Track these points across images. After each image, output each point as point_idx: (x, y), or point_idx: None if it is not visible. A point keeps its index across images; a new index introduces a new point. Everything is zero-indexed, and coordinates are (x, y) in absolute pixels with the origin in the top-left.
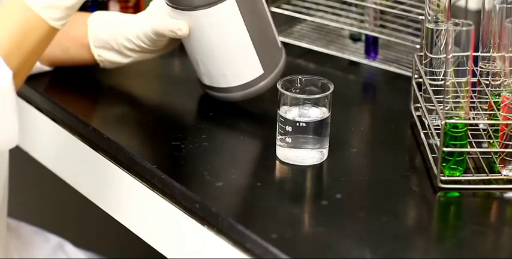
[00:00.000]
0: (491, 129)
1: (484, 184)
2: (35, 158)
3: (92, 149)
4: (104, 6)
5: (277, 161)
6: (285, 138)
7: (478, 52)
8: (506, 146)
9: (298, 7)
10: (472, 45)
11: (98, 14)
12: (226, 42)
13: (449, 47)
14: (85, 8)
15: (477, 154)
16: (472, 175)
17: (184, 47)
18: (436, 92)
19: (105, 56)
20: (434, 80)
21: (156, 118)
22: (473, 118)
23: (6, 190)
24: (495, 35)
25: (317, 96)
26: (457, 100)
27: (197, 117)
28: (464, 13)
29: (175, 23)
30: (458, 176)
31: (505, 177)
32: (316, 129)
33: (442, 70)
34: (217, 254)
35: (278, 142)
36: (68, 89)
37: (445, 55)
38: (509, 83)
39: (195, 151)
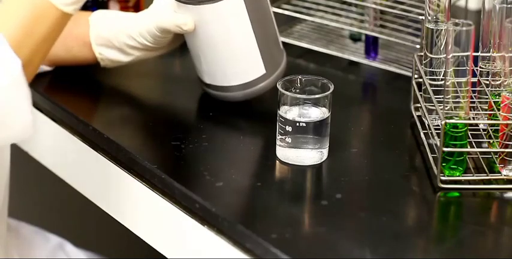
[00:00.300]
0: (491, 129)
1: (484, 184)
2: (35, 158)
3: (92, 149)
4: (104, 6)
5: (277, 161)
6: (285, 138)
7: (478, 52)
8: (506, 146)
9: (298, 7)
10: (472, 45)
11: (100, 13)
12: (230, 38)
13: (449, 47)
14: (85, 7)
15: (477, 154)
16: (472, 175)
17: (187, 44)
18: (436, 92)
19: (106, 54)
20: (434, 80)
21: (156, 118)
22: (473, 118)
23: (7, 190)
24: (495, 35)
25: (317, 96)
26: (457, 100)
27: (197, 117)
28: (464, 13)
29: (181, 18)
30: (458, 176)
31: (505, 177)
32: (316, 129)
33: (442, 70)
34: (217, 254)
35: (278, 142)
36: (68, 89)
37: (445, 55)
38: (509, 83)
39: (195, 151)
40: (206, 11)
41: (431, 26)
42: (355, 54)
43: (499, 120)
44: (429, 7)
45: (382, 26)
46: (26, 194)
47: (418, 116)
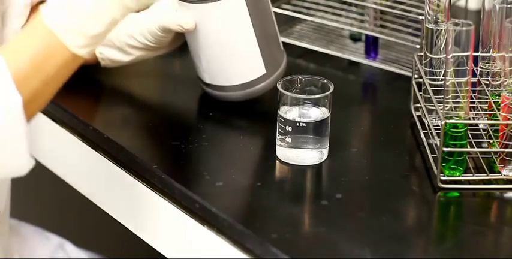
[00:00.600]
0: (491, 129)
1: (484, 184)
2: (35, 158)
3: (92, 149)
4: None
5: (277, 161)
6: (285, 138)
7: (478, 52)
8: (506, 146)
9: (298, 7)
10: (472, 45)
11: None
12: (231, 37)
13: (449, 47)
14: None
15: (477, 154)
16: (472, 175)
17: (188, 43)
18: (436, 92)
19: (106, 54)
20: (434, 80)
21: (156, 118)
22: (473, 118)
23: (9, 192)
24: (495, 35)
25: (317, 96)
26: (457, 100)
27: (197, 117)
28: (464, 13)
29: (182, 17)
30: (458, 176)
31: (505, 177)
32: (316, 129)
33: (442, 70)
34: (217, 254)
35: (278, 142)
36: (68, 89)
37: (445, 55)
38: (509, 83)
39: (195, 151)
40: (207, 9)
41: (431, 26)
42: (355, 54)
43: (499, 120)
44: (429, 7)
45: (382, 26)
46: (26, 194)
47: (418, 116)
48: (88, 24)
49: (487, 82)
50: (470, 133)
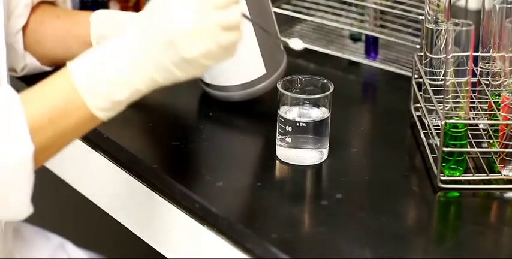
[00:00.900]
0: (491, 129)
1: (484, 184)
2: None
3: (92, 149)
4: (104, 6)
5: (277, 161)
6: (285, 138)
7: (478, 52)
8: (506, 146)
9: (298, 7)
10: (472, 45)
11: (101, 12)
12: None
13: (449, 47)
14: (85, 7)
15: (477, 154)
16: (472, 175)
17: None
18: (436, 92)
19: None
20: (434, 80)
21: (156, 118)
22: (473, 118)
23: None
24: (495, 35)
25: (317, 96)
26: (457, 100)
27: (197, 117)
28: (464, 13)
29: None
30: (458, 176)
31: (505, 177)
32: (316, 129)
33: (442, 70)
34: (217, 254)
35: (278, 142)
36: None
37: (445, 55)
38: (509, 83)
39: (195, 151)
40: None
41: (431, 26)
42: (355, 54)
43: (499, 120)
44: (429, 7)
45: (382, 26)
46: None
47: (418, 116)
48: (113, 89)
49: (487, 82)
50: (470, 133)
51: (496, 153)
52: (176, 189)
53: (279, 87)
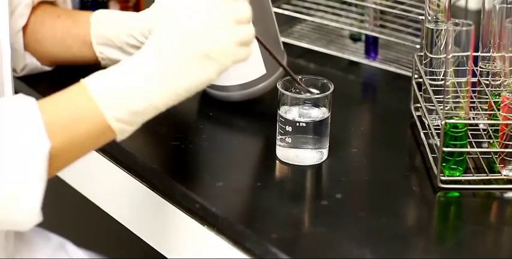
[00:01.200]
0: (491, 129)
1: (484, 184)
2: None
3: None
4: (104, 6)
5: (277, 161)
6: (285, 138)
7: (478, 52)
8: (506, 146)
9: (298, 7)
10: (472, 45)
11: (101, 12)
12: None
13: (449, 47)
14: (85, 7)
15: (477, 154)
16: (472, 175)
17: None
18: (436, 92)
19: (106, 54)
20: (434, 80)
21: (156, 118)
22: (473, 118)
23: None
24: (495, 35)
25: (317, 96)
26: (457, 100)
27: (197, 117)
28: (464, 13)
29: None
30: (458, 176)
31: (505, 177)
32: (316, 129)
33: (442, 70)
34: (217, 254)
35: (278, 142)
36: None
37: (445, 55)
38: (509, 83)
39: (195, 151)
40: None
41: (431, 26)
42: (355, 54)
43: (499, 120)
44: (429, 7)
45: (382, 26)
46: None
47: (418, 116)
48: (130, 99)
49: (487, 82)
50: (470, 133)
51: (496, 153)
52: (176, 189)
53: (279, 87)
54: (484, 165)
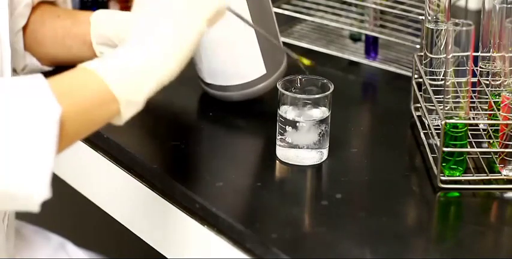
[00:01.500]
0: (491, 129)
1: (484, 184)
2: None
3: (92, 149)
4: (104, 6)
5: (277, 161)
6: (285, 138)
7: (478, 52)
8: (506, 146)
9: (298, 7)
10: (472, 45)
11: (101, 12)
12: (231, 37)
13: (449, 47)
14: (85, 7)
15: (477, 154)
16: (472, 175)
17: None
18: (436, 92)
19: (106, 53)
20: (434, 80)
21: (156, 118)
22: (473, 118)
23: None
24: (495, 35)
25: (317, 96)
26: (457, 100)
27: (197, 117)
28: (464, 13)
29: None
30: (458, 176)
31: (505, 177)
32: (316, 129)
33: (442, 70)
34: (217, 254)
35: (278, 142)
36: None
37: (445, 55)
38: (509, 83)
39: (195, 151)
40: None
41: (431, 26)
42: (355, 54)
43: (499, 120)
44: (429, 7)
45: (382, 26)
46: None
47: (418, 116)
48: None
49: (487, 82)
50: (470, 133)
51: (496, 153)
52: (176, 189)
53: (279, 87)
54: (484, 165)
